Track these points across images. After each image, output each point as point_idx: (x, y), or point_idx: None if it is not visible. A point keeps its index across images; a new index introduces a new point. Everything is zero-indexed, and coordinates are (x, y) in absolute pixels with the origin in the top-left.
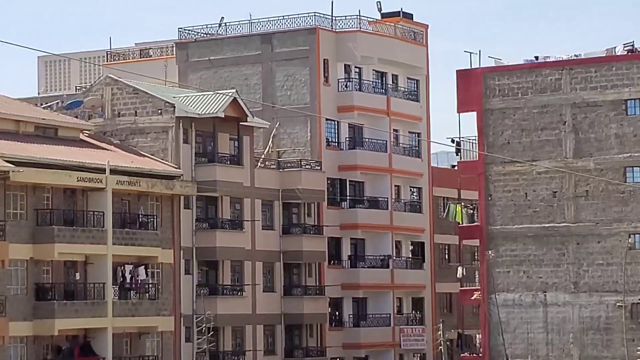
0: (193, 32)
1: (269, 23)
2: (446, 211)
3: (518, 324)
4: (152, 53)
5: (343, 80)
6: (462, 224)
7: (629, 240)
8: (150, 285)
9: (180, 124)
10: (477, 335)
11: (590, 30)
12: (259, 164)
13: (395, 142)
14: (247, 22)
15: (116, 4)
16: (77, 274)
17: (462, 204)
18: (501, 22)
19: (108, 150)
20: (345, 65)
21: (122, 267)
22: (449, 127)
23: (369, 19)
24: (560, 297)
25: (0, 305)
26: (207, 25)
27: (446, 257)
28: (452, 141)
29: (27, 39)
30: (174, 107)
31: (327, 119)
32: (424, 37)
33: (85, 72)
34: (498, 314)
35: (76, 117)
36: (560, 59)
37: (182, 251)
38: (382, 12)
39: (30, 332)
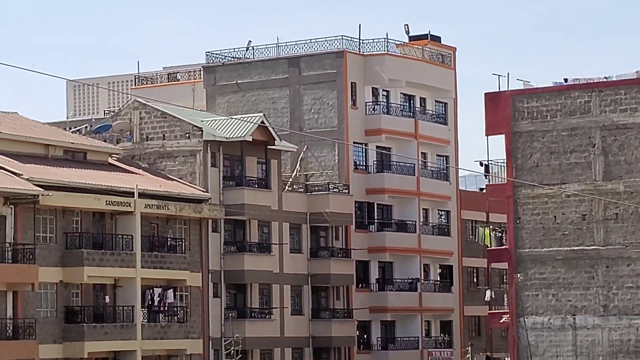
0: (221, 56)
1: (296, 46)
2: (476, 234)
3: (547, 347)
4: (179, 77)
5: (371, 103)
6: (491, 247)
7: None
8: (178, 308)
9: (208, 148)
10: (506, 359)
11: (619, 51)
12: (287, 187)
13: (423, 165)
14: (275, 45)
15: (144, 28)
16: (107, 297)
17: (491, 227)
18: (530, 44)
19: (136, 174)
20: (372, 88)
21: (151, 290)
22: (478, 150)
23: (397, 42)
24: (590, 320)
25: (31, 328)
26: (234, 48)
27: (474, 280)
28: (481, 164)
29: (57, 63)
30: (202, 130)
31: (354, 143)
32: (452, 60)
33: (114, 96)
34: (527, 337)
35: (105, 141)
36: (590, 81)
37: (210, 274)
38: (409, 35)
39: (60, 354)
